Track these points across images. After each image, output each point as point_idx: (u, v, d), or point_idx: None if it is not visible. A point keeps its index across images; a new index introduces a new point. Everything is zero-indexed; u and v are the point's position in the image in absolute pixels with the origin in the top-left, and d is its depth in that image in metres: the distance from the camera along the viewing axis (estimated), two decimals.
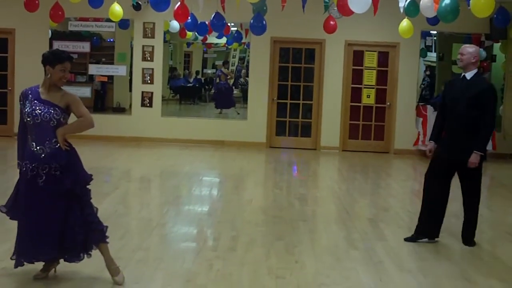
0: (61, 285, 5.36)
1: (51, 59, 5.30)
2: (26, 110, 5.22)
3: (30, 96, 5.27)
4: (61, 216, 5.18)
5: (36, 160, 5.18)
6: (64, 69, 5.27)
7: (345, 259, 6.57)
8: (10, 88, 15.79)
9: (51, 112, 5.17)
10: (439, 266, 6.46)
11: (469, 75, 6.99)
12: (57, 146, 5.20)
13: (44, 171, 5.16)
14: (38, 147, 5.19)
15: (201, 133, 15.63)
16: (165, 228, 7.73)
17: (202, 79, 16.43)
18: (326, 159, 14.74)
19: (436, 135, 7.41)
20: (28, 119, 5.19)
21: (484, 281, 6.04)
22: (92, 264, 5.60)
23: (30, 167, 5.19)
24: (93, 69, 15.90)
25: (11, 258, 5.34)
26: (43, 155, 5.17)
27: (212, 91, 16.71)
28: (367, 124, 15.77)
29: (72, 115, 5.37)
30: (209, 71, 16.50)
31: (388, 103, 15.64)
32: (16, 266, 5.29)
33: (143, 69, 15.61)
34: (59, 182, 5.17)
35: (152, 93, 15.66)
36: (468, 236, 7.32)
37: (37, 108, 5.18)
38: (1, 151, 14.09)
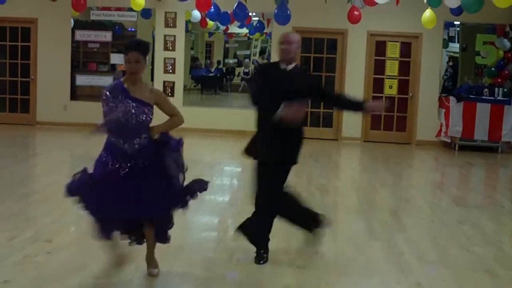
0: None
1: (123, 50, 5.11)
2: (119, 109, 4.98)
3: (121, 95, 5.03)
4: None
5: (131, 159, 5.02)
6: (128, 60, 5.02)
7: (366, 250, 6.54)
8: (32, 77, 15.88)
9: (145, 111, 5.03)
10: (460, 258, 6.41)
11: (290, 66, 5.90)
12: (147, 142, 5.06)
13: (138, 166, 5.03)
14: (126, 144, 5.01)
15: (222, 122, 15.63)
16: (186, 217, 7.71)
17: (224, 68, 16.42)
18: (348, 149, 14.70)
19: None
20: (122, 119, 4.97)
21: (506, 274, 5.98)
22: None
23: (124, 166, 5.00)
24: (115, 58, 15.95)
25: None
26: (130, 151, 5.01)
27: (235, 80, 16.70)
28: (389, 115, 15.69)
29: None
30: (231, 61, 16.49)
31: (411, 94, 15.55)
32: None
33: (165, 58, 15.64)
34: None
35: (173, 82, 15.69)
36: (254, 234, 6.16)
37: (131, 106, 5.00)
38: (23, 139, 14.19)
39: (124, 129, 5.00)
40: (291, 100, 5.55)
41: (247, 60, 16.12)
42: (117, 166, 5.00)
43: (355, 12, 12.85)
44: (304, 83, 5.94)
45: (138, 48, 5.06)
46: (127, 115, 4.97)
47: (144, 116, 5.02)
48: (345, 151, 14.56)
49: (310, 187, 10.09)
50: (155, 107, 5.15)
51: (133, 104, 5.00)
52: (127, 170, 5.01)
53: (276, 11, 12.28)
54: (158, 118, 5.11)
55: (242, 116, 15.76)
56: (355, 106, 6.21)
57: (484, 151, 14.50)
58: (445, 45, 15.67)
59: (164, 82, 15.66)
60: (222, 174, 11.22)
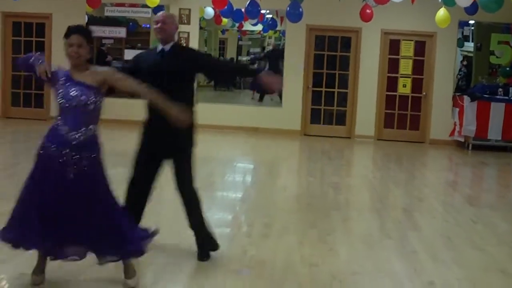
0: None
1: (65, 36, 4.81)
2: (59, 91, 4.68)
3: (63, 78, 4.71)
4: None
5: (67, 146, 4.65)
6: (71, 44, 4.72)
7: (379, 248, 6.53)
8: None
9: (86, 94, 4.66)
10: (473, 257, 6.39)
11: (167, 46, 5.72)
12: (92, 134, 4.75)
13: (74, 159, 4.64)
14: (71, 133, 4.65)
15: (235, 119, 15.63)
16: None
17: None
18: (361, 148, 14.68)
19: None
20: (62, 101, 4.66)
21: None
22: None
23: (59, 153, 4.66)
24: (129, 54, 15.96)
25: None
26: (74, 142, 4.66)
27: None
28: (403, 113, 15.67)
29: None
30: (244, 58, 16.48)
31: (424, 93, 15.52)
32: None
33: None
34: (87, 178, 4.73)
35: None
36: None
37: (72, 89, 4.66)
38: (37, 134, 14.21)
39: (66, 113, 4.69)
40: (173, 81, 5.54)
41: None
42: (63, 160, 4.65)
43: (367, 10, 12.82)
44: (182, 59, 5.71)
45: (80, 32, 4.83)
46: (65, 97, 4.66)
47: (85, 98, 4.67)
48: (358, 149, 14.54)
49: (323, 184, 10.09)
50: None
51: (75, 85, 4.69)
52: (74, 169, 4.65)
53: (288, 8, 12.26)
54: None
55: (255, 113, 15.79)
56: (246, 72, 6.12)
57: (498, 150, 14.44)
58: (460, 44, 15.58)
59: None
60: (234, 170, 11.23)
